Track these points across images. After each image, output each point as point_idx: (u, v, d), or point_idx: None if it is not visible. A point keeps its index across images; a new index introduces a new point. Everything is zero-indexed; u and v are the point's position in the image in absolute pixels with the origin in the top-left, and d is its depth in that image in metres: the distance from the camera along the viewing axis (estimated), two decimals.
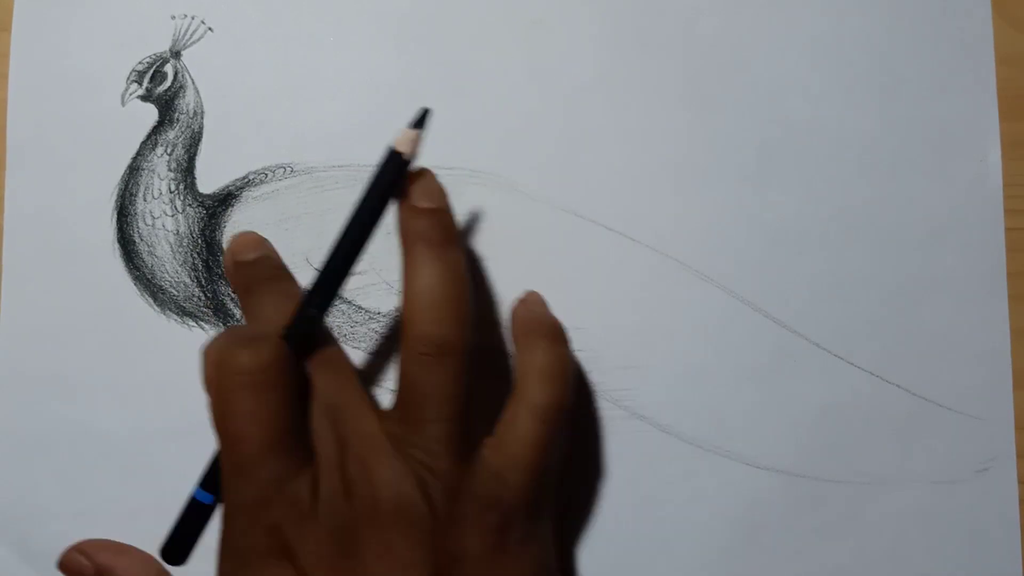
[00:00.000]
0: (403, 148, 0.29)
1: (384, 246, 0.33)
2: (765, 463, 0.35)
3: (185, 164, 0.35)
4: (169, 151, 0.35)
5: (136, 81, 0.36)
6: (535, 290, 0.34)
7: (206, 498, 0.30)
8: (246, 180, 0.35)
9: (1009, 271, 0.35)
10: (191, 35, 0.36)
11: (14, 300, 0.35)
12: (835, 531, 0.34)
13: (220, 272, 0.35)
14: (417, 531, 0.27)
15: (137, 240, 0.35)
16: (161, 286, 0.35)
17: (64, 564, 0.33)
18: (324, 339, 0.31)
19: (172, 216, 0.35)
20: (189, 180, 0.35)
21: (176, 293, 0.35)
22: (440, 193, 0.30)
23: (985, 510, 0.34)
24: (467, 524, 0.28)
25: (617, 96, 0.36)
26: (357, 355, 0.35)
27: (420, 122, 0.30)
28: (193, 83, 0.36)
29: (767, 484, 0.35)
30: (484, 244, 0.35)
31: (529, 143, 0.36)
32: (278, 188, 0.35)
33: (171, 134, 0.36)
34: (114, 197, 0.35)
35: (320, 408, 0.29)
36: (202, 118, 0.36)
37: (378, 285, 0.35)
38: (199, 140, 0.36)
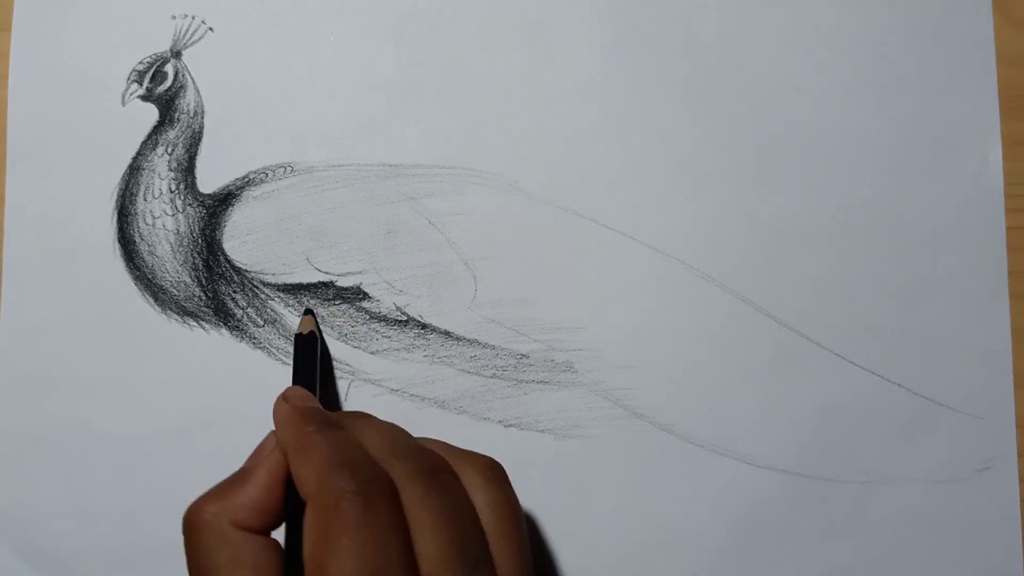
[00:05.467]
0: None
1: (383, 245, 0.33)
2: (766, 463, 0.35)
3: (185, 164, 0.35)
4: (169, 151, 0.35)
5: (136, 81, 0.36)
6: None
7: None
8: (246, 180, 0.35)
9: (1010, 270, 0.35)
10: (191, 35, 0.36)
11: (14, 300, 0.35)
12: (836, 530, 0.34)
13: (220, 272, 0.35)
14: None
15: (137, 240, 0.35)
16: (162, 286, 0.35)
17: None
18: None
19: (172, 216, 0.35)
20: (189, 180, 0.35)
21: (177, 293, 0.35)
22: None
23: (986, 509, 0.34)
24: None
25: (617, 96, 0.36)
26: (358, 354, 0.35)
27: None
28: (193, 83, 0.36)
29: (768, 484, 0.35)
30: (484, 244, 0.35)
31: (529, 143, 0.36)
32: (278, 188, 0.35)
33: (171, 134, 0.36)
34: (114, 197, 0.35)
35: None
36: (202, 118, 0.36)
37: (378, 285, 0.35)
38: (199, 140, 0.36)
